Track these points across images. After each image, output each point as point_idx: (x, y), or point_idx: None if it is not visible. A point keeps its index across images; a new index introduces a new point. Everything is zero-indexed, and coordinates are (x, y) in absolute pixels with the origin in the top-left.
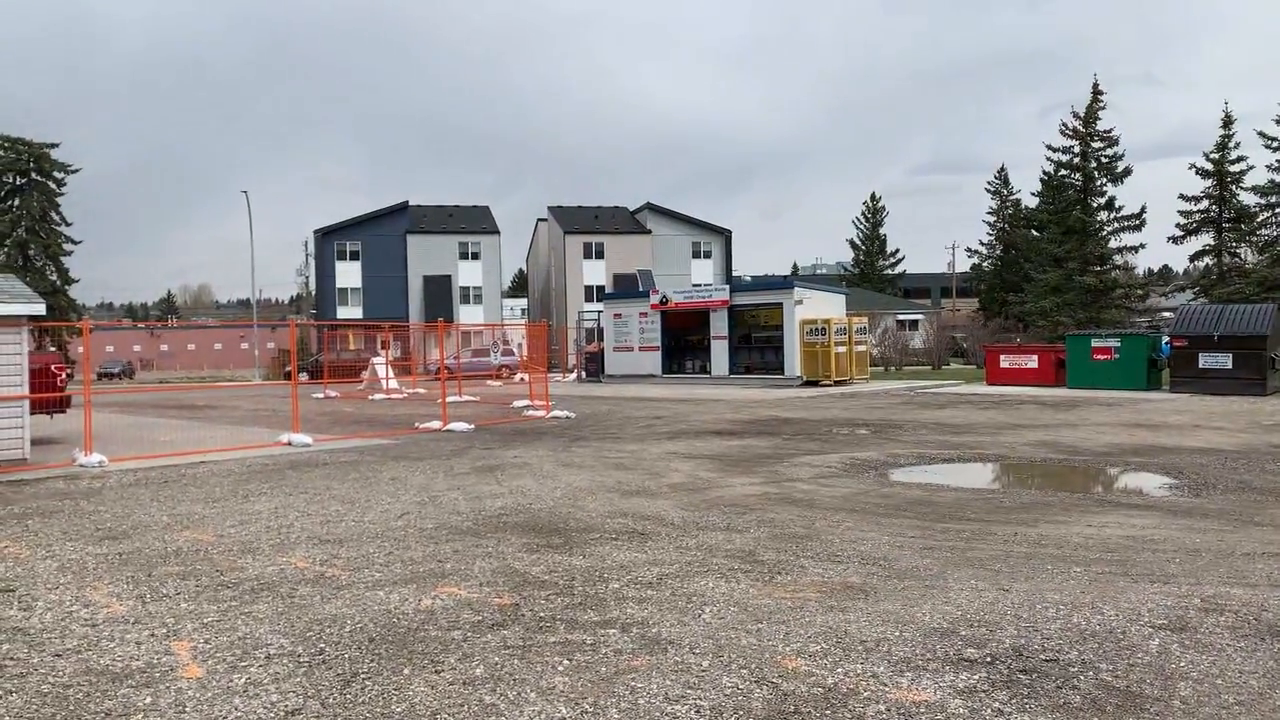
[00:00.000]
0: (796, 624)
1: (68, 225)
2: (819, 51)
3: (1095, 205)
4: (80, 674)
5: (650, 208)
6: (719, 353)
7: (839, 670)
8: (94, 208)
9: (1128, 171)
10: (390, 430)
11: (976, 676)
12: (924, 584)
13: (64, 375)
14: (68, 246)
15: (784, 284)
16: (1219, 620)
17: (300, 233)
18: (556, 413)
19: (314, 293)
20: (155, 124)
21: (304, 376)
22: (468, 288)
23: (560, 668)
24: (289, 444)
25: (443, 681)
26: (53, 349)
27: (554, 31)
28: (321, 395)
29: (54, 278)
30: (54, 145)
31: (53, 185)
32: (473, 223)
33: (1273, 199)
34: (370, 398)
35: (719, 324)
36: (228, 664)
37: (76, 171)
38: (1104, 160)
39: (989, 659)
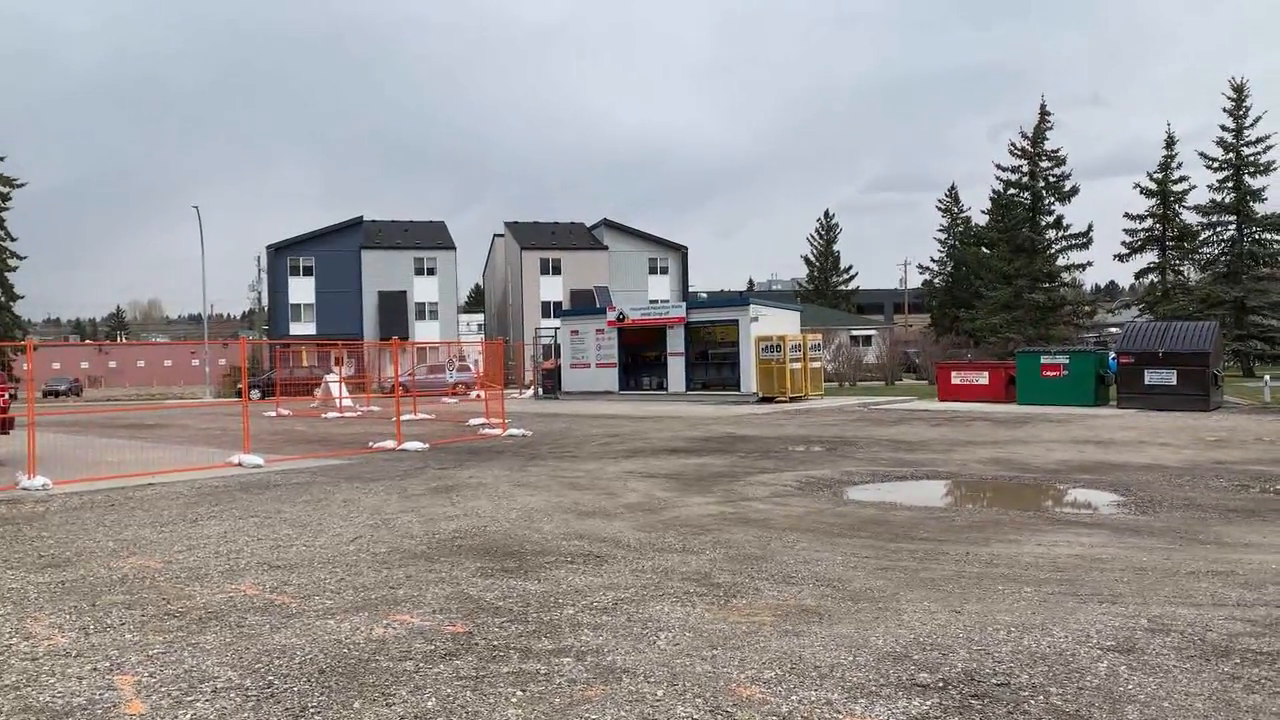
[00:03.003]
0: (751, 649)
1: (12, 240)
2: (777, 70)
3: (1043, 223)
4: (19, 711)
5: (607, 224)
6: (676, 369)
7: (793, 698)
8: (41, 222)
9: (1075, 190)
10: (343, 450)
11: (929, 702)
12: (878, 606)
13: (7, 395)
14: (12, 262)
15: (740, 301)
16: (1165, 641)
17: (253, 248)
18: (513, 431)
19: (266, 308)
20: (105, 137)
21: (256, 394)
22: (423, 303)
23: (513, 699)
24: (240, 465)
25: (394, 715)
26: None
27: (512, 47)
28: (274, 413)
29: None
30: None
31: None
32: (428, 238)
33: (1214, 218)
34: (323, 416)
35: (676, 341)
36: (173, 699)
37: (22, 186)
38: (1052, 179)
39: (941, 684)
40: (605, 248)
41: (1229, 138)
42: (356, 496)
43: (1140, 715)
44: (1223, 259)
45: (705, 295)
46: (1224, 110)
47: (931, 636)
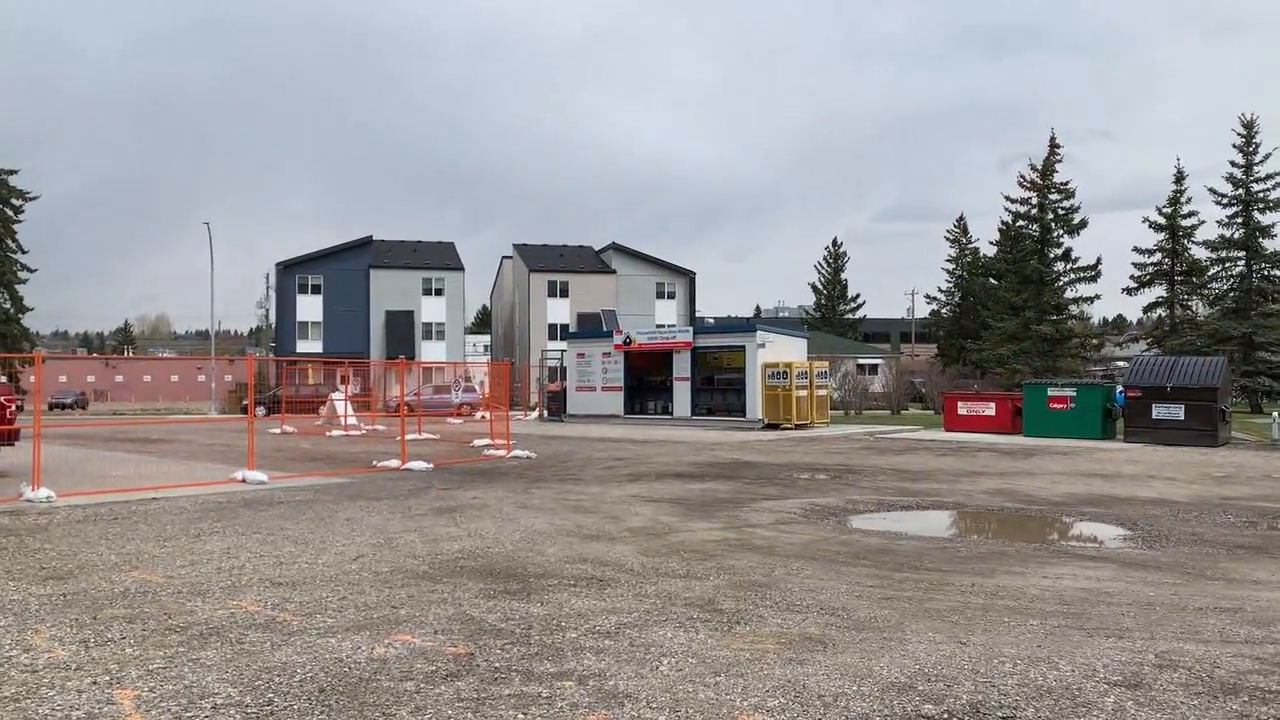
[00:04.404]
0: (755, 677)
1: (23, 253)
2: (786, 98)
3: (1052, 256)
4: None
5: (615, 248)
6: (681, 394)
7: None
8: (52, 235)
9: (1084, 223)
10: (347, 468)
11: None
12: (882, 635)
13: (14, 407)
14: (23, 274)
15: (747, 327)
16: (1173, 677)
17: (262, 265)
18: (517, 452)
19: (274, 326)
20: (116, 152)
21: (261, 411)
22: (430, 324)
23: None
24: (244, 481)
25: None
26: (3, 379)
27: (525, 72)
28: (278, 430)
29: (7, 306)
30: (13, 172)
31: (9, 212)
32: (437, 258)
33: (1222, 253)
34: (328, 434)
35: (682, 365)
36: (172, 714)
37: (35, 199)
38: (1060, 212)
39: (946, 715)
40: (613, 271)
41: (1239, 174)
42: (360, 515)
43: None
44: (1231, 294)
45: (712, 321)
46: (1234, 146)
47: (936, 667)
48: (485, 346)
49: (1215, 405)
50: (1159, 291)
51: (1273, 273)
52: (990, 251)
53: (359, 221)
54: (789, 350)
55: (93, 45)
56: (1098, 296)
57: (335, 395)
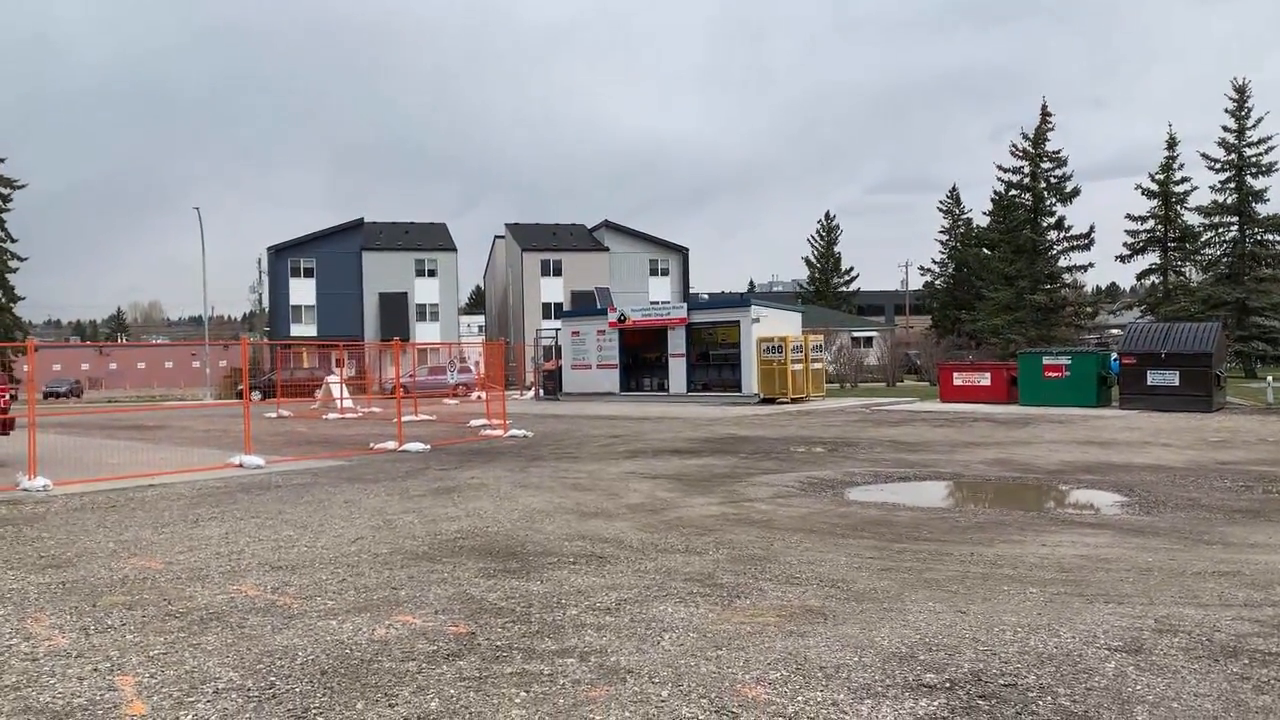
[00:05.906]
0: (756, 650)
1: (13, 241)
2: (778, 73)
3: (1045, 225)
4: (19, 712)
5: (608, 225)
6: (677, 370)
7: (799, 698)
8: (42, 223)
9: (1076, 192)
10: (344, 451)
11: (936, 703)
12: (882, 606)
13: (8, 396)
14: (13, 263)
15: (741, 302)
16: (1173, 641)
17: (254, 249)
18: (514, 432)
19: (267, 310)
20: (106, 139)
21: (256, 395)
22: (424, 305)
23: (517, 700)
24: (241, 466)
25: (397, 716)
26: None
27: (515, 51)
28: (274, 414)
29: None
30: (0, 160)
31: None
32: (430, 240)
33: (1215, 219)
34: (324, 417)
35: (677, 342)
36: (174, 699)
37: (23, 187)
38: (1053, 180)
39: (948, 684)
40: (606, 249)
41: (1231, 139)
42: (358, 497)
43: (1149, 716)
44: (1224, 260)
45: (706, 296)
46: (1226, 111)
47: (937, 637)
48: (479, 327)
49: (1210, 371)
50: (1152, 258)
51: (1266, 237)
52: (983, 222)
53: (349, 204)
54: (784, 324)
55: (79, 34)
56: (1091, 265)
57: (330, 378)
